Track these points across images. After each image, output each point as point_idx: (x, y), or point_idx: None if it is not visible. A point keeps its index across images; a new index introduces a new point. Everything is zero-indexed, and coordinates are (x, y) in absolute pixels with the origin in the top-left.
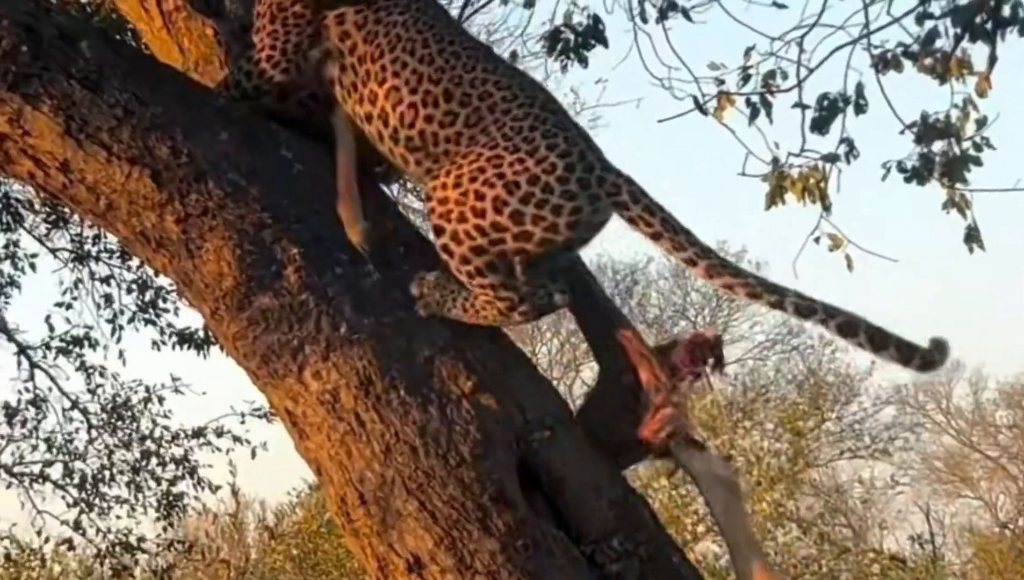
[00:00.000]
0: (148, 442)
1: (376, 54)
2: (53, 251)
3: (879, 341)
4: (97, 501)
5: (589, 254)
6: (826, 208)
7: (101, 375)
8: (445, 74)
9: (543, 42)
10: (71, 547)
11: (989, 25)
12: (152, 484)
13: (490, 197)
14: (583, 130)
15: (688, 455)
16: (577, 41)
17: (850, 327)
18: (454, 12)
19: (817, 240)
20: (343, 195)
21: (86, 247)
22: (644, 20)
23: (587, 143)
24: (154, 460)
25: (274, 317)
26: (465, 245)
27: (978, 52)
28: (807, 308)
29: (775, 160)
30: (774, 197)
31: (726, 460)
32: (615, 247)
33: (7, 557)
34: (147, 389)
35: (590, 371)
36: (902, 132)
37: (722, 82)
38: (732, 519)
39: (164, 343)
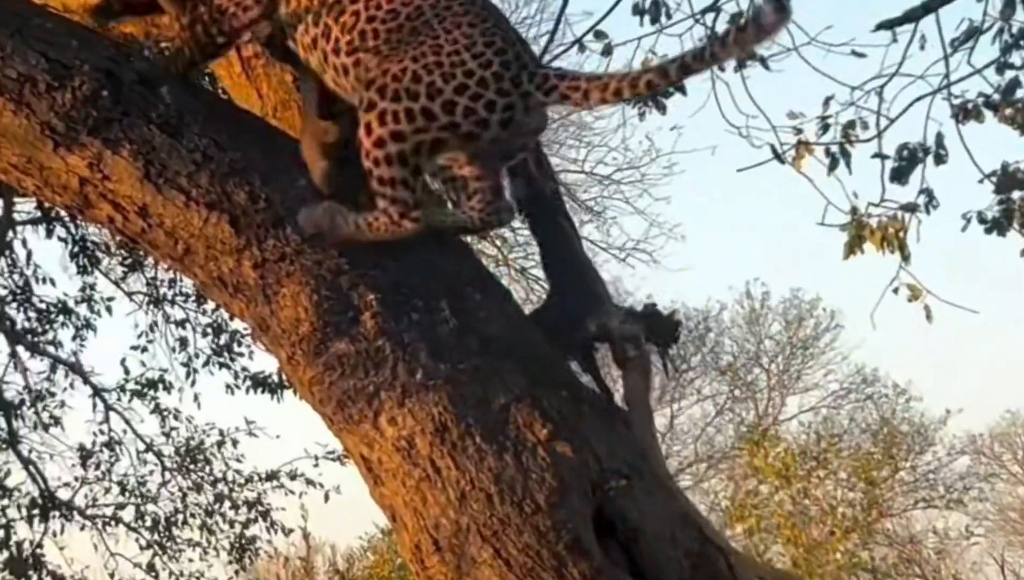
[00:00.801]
0: (221, 485)
1: None
2: (129, 294)
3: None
4: (170, 544)
5: (662, 300)
6: (905, 258)
7: (175, 418)
8: None
9: None
10: None
11: None
12: (225, 527)
13: (425, 82)
14: (519, 33)
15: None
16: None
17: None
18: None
19: (896, 290)
20: (304, 136)
21: (162, 291)
22: (722, 68)
23: (523, 45)
24: (227, 503)
25: (350, 363)
26: (388, 127)
27: None
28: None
29: (854, 209)
30: (853, 247)
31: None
32: (688, 294)
33: None
34: (221, 432)
35: (662, 418)
36: (981, 181)
37: (800, 131)
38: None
39: (238, 387)
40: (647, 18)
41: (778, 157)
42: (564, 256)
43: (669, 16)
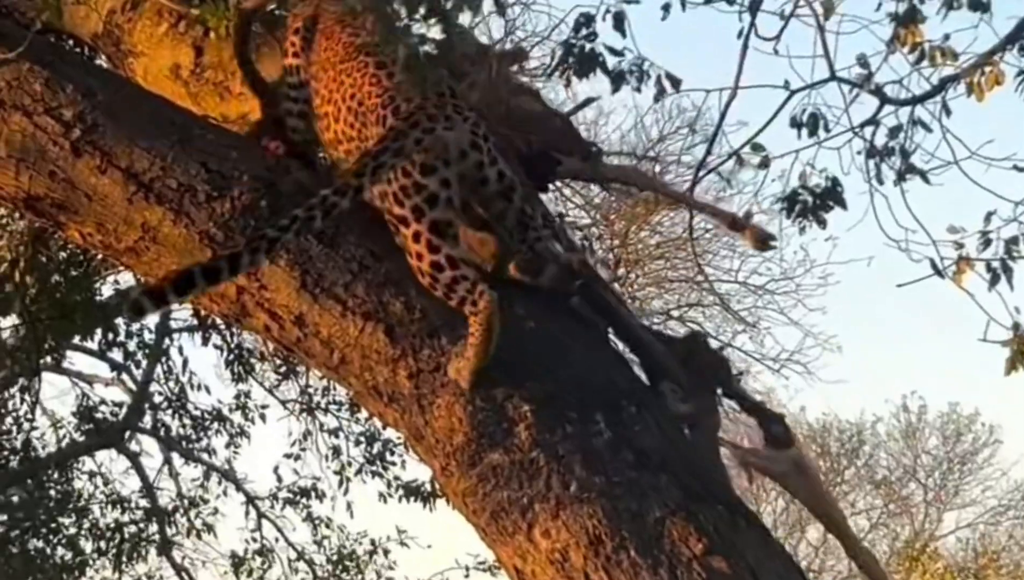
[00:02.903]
0: None
1: None
2: (283, 402)
3: None
4: None
5: (815, 412)
6: None
7: (327, 526)
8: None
9: (780, 203)
10: None
11: None
12: None
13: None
14: None
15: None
16: (815, 203)
17: None
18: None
19: None
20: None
21: (315, 399)
22: (881, 182)
23: None
24: None
25: (504, 474)
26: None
27: None
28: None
29: (1016, 326)
30: (1015, 363)
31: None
32: (842, 406)
33: None
34: (372, 541)
35: (816, 531)
36: None
37: (961, 246)
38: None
39: (391, 495)
40: (804, 130)
41: (938, 272)
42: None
43: (828, 129)
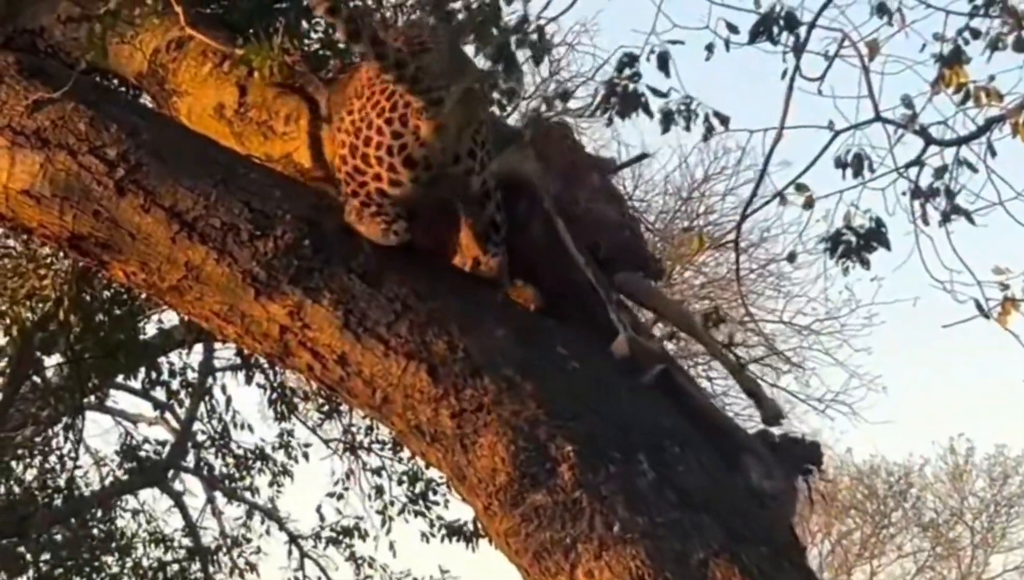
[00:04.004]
0: None
1: None
2: (326, 441)
3: None
4: None
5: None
6: None
7: (370, 566)
8: None
9: (824, 243)
10: None
11: None
12: None
13: None
14: None
15: None
16: (859, 244)
17: None
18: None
19: None
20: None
21: (358, 438)
22: (926, 222)
23: None
24: None
25: (547, 514)
26: None
27: None
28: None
29: None
30: None
31: None
32: (888, 447)
33: None
34: None
35: (861, 574)
36: None
37: (1007, 286)
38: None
39: (434, 535)
40: (849, 171)
41: (983, 313)
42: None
43: (872, 169)
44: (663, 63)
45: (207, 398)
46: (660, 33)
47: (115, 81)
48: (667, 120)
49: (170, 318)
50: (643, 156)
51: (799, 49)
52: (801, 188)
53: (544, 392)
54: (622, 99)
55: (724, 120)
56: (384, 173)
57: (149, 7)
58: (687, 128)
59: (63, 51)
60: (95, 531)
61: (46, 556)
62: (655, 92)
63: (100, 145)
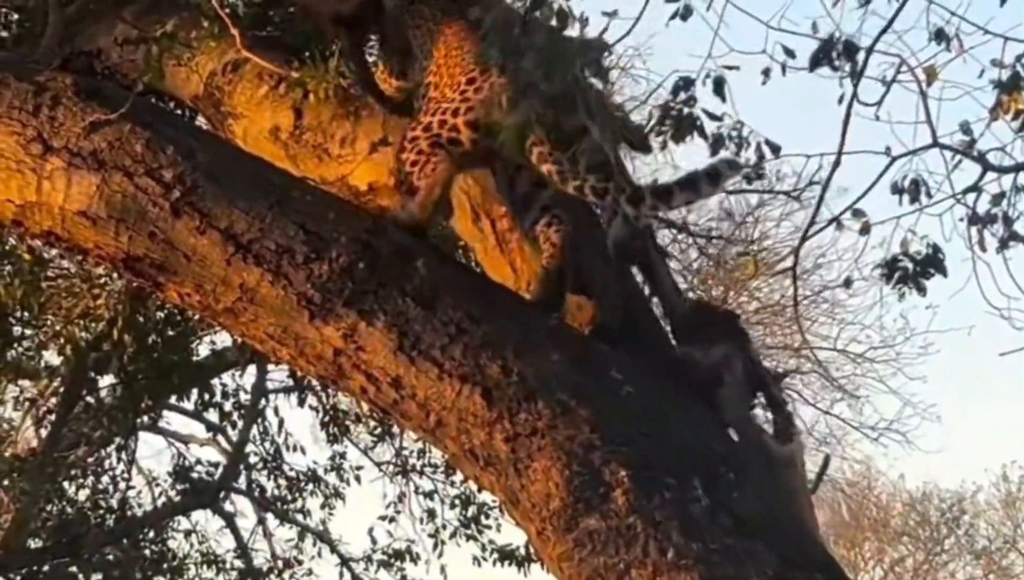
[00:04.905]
0: None
1: None
2: (378, 464)
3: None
4: None
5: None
6: None
7: None
8: None
9: (880, 269)
10: None
11: None
12: None
13: None
14: None
15: None
16: (915, 270)
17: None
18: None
19: None
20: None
21: (410, 461)
22: (983, 249)
23: None
24: None
25: (601, 539)
26: None
27: None
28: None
29: None
30: None
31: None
32: (942, 475)
33: None
34: None
35: None
36: None
37: None
38: None
39: (485, 559)
40: (906, 197)
41: None
42: None
43: (929, 195)
44: (718, 87)
45: (260, 420)
46: (717, 57)
47: (171, 103)
48: (717, 145)
49: (223, 339)
50: None
51: (857, 75)
52: (858, 214)
53: (598, 416)
54: (677, 123)
55: (775, 149)
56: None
57: (206, 30)
58: (738, 154)
59: (120, 73)
60: (147, 552)
61: (98, 577)
62: (710, 116)
63: (156, 167)
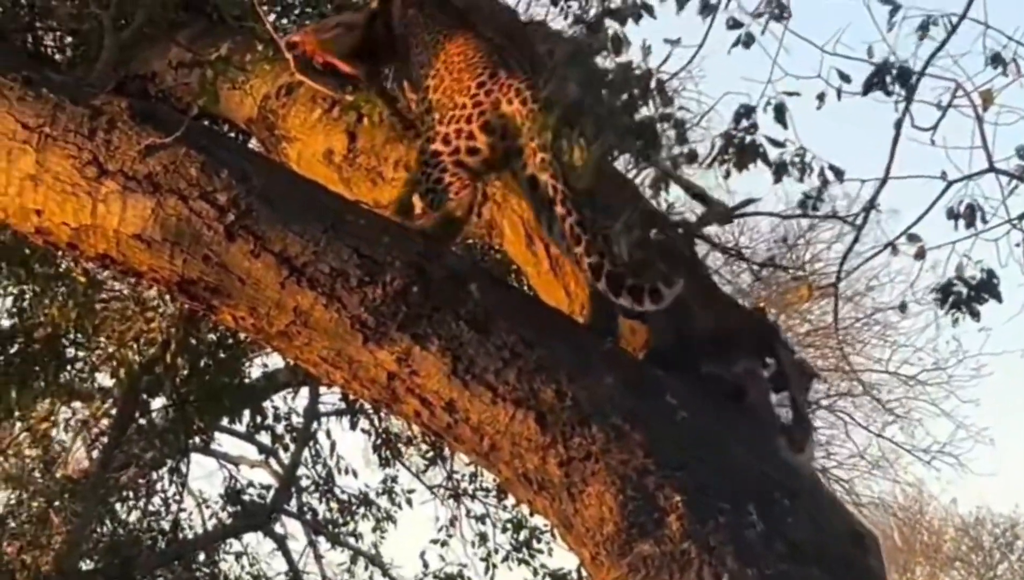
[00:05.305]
0: None
1: None
2: (430, 488)
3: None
4: None
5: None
6: None
7: None
8: None
9: (935, 294)
10: None
11: None
12: None
13: None
14: None
15: None
16: (970, 295)
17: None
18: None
19: None
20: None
21: (462, 484)
22: None
23: None
24: None
25: (655, 565)
26: None
27: None
28: None
29: None
30: None
31: None
32: (994, 500)
33: None
34: None
35: None
36: None
37: None
38: None
39: None
40: (961, 222)
41: None
42: None
43: (985, 220)
44: (780, 114)
45: (311, 442)
46: (773, 81)
47: (225, 126)
48: (780, 171)
49: (274, 361)
50: (750, 201)
51: (910, 99)
52: (913, 238)
53: (652, 441)
54: (740, 151)
55: (839, 173)
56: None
57: (260, 53)
58: (800, 179)
59: (174, 96)
60: (198, 574)
61: None
62: (773, 142)
63: (211, 190)
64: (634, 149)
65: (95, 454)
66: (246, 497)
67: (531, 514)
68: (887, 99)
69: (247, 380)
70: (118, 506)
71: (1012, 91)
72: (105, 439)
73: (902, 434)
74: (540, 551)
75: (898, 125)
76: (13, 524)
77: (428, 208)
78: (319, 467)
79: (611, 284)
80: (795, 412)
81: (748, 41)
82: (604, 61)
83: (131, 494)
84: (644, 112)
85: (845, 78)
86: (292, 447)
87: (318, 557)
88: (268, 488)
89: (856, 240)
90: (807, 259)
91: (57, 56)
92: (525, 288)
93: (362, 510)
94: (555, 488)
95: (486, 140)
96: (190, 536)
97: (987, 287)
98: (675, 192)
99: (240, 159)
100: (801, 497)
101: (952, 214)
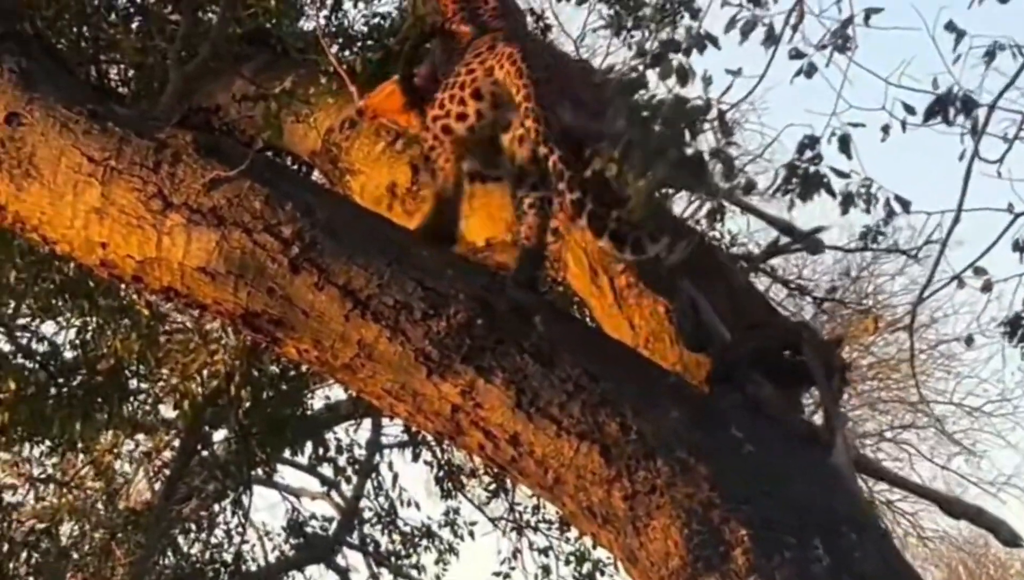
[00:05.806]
0: None
1: None
2: (492, 520)
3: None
4: None
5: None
6: None
7: None
8: None
9: (1002, 326)
10: None
11: None
12: None
13: None
14: None
15: None
16: None
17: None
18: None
19: None
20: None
21: (524, 517)
22: None
23: None
24: None
25: None
26: None
27: None
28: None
29: None
30: None
31: None
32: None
33: None
34: None
35: None
36: None
37: None
38: None
39: None
40: None
41: None
42: None
43: None
44: (844, 145)
45: (374, 474)
46: (838, 113)
47: (288, 158)
48: (847, 202)
49: (337, 393)
50: (819, 229)
51: (975, 131)
52: (979, 272)
53: (718, 475)
54: (804, 181)
55: (905, 204)
56: None
57: (324, 86)
58: (867, 211)
59: (238, 129)
60: None
61: None
62: (838, 173)
63: (275, 223)
64: (684, 182)
65: (158, 486)
66: (308, 529)
67: (594, 547)
68: (947, 129)
69: (309, 412)
70: (180, 538)
71: None
72: (168, 471)
73: (967, 466)
74: None
75: (967, 158)
76: (76, 556)
77: (428, 176)
78: (381, 499)
79: (593, 224)
80: (824, 408)
81: (810, 71)
82: (663, 92)
83: (193, 526)
84: (703, 144)
85: (910, 110)
86: (354, 479)
87: None
88: (330, 520)
89: (931, 279)
90: (869, 291)
91: (122, 89)
92: (588, 321)
93: (424, 542)
94: (620, 522)
95: (475, 106)
96: (252, 568)
97: None
98: (738, 222)
99: (304, 192)
100: (868, 531)
101: (1018, 247)
